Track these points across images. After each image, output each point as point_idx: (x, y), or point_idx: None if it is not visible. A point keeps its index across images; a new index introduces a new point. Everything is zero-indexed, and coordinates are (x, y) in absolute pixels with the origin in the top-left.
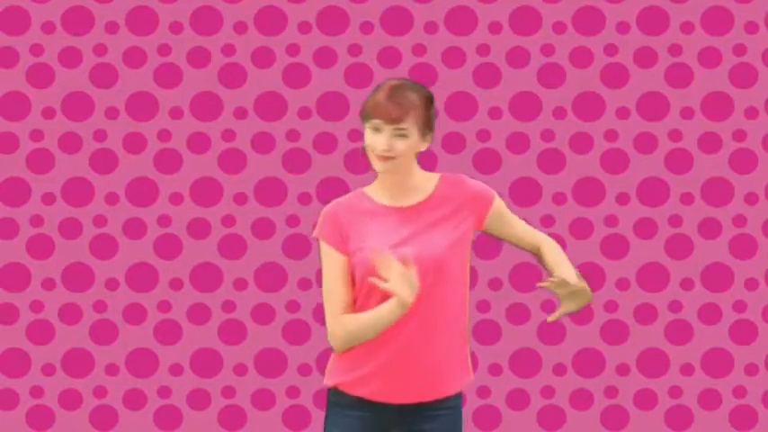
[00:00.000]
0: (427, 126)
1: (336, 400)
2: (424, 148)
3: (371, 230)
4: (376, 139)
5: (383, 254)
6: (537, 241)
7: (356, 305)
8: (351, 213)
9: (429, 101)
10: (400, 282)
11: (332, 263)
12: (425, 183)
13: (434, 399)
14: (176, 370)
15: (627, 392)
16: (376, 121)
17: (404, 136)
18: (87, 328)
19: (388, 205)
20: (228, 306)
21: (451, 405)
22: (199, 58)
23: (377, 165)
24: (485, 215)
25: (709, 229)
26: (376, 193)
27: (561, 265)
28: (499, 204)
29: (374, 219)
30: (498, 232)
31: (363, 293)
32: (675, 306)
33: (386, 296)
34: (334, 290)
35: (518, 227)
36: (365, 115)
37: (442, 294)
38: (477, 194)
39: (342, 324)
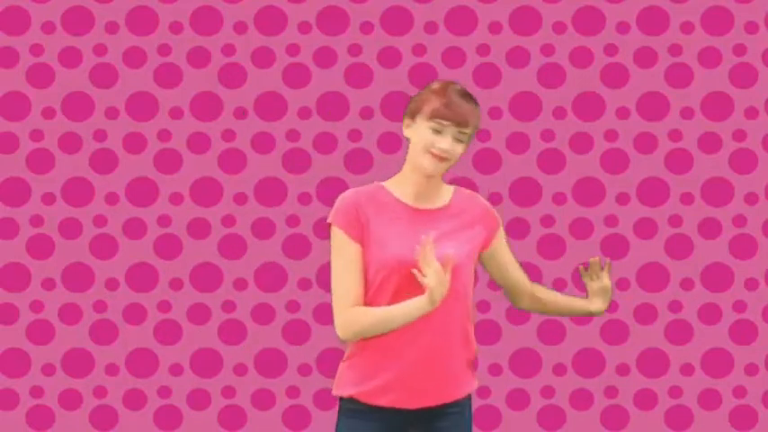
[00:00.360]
0: (473, 136)
1: (350, 407)
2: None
3: (395, 228)
4: (439, 139)
5: (428, 247)
6: (528, 282)
7: (365, 299)
8: (374, 205)
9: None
10: (437, 279)
11: (345, 251)
12: (444, 190)
13: (449, 401)
14: (176, 370)
15: (627, 392)
16: (443, 122)
17: (462, 141)
18: (87, 328)
19: (411, 205)
20: (228, 306)
21: (463, 404)
22: (199, 58)
23: (429, 163)
24: (494, 234)
25: (709, 229)
26: (398, 190)
27: (565, 296)
28: (503, 231)
29: (397, 216)
30: (495, 258)
31: (374, 289)
32: (675, 306)
33: (396, 295)
34: (346, 280)
35: (512, 259)
36: (428, 113)
37: (456, 301)
38: (489, 213)
39: (355, 316)
